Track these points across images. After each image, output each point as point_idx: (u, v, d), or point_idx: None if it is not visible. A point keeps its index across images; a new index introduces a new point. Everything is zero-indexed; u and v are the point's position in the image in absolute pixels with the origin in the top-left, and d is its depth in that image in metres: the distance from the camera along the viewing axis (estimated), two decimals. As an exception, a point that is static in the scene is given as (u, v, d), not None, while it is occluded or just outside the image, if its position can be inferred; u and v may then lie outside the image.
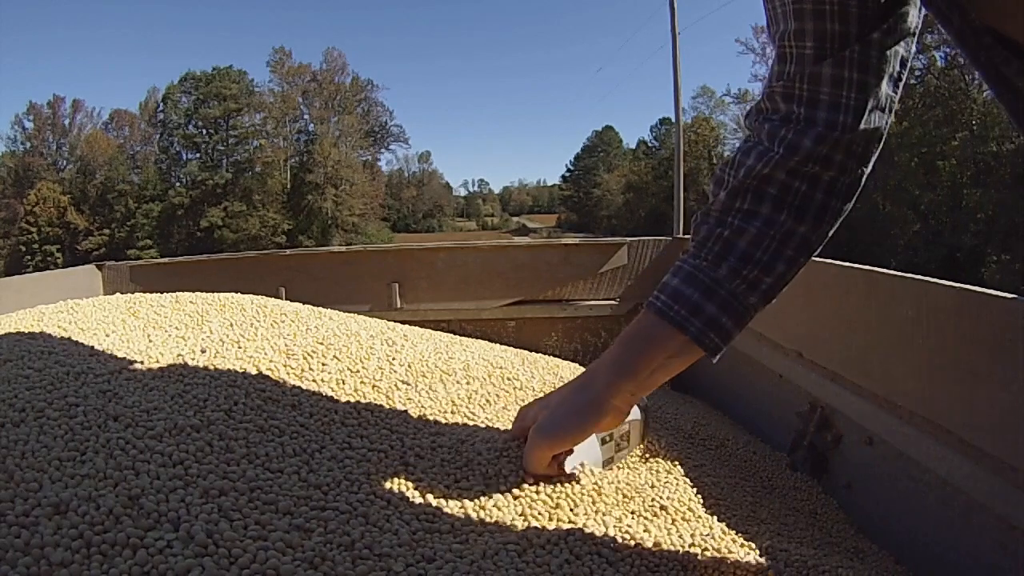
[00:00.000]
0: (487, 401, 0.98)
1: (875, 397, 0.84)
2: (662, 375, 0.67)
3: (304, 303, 1.40)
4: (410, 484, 0.66)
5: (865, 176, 0.65)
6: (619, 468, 0.91)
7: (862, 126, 0.60)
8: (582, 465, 0.73)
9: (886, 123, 0.63)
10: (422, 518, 0.61)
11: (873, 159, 0.64)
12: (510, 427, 0.93)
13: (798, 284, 1.05)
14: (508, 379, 1.07)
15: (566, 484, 0.69)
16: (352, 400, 0.84)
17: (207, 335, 1.03)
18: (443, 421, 0.86)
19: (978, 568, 0.67)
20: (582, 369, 1.34)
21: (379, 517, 0.60)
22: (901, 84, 0.62)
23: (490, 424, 0.92)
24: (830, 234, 0.67)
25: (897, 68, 0.60)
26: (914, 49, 0.62)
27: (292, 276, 1.68)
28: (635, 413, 0.82)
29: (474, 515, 0.62)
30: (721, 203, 0.66)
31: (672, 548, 0.61)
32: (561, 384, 1.12)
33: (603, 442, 0.76)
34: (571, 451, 0.72)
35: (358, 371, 0.95)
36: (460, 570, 0.53)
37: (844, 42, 0.58)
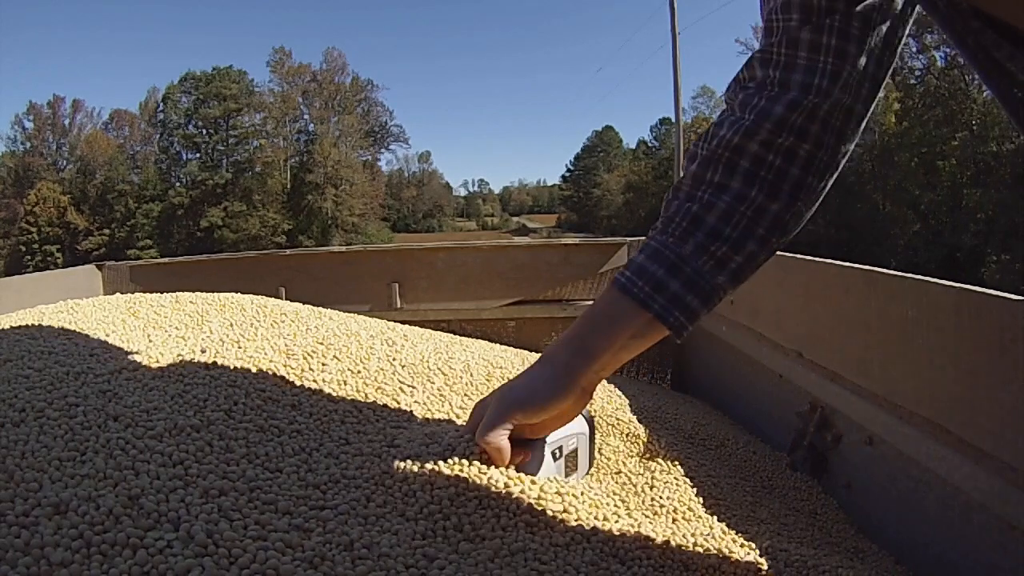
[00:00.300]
0: (487, 401, 0.98)
1: (875, 397, 0.84)
2: (626, 354, 0.64)
3: (304, 303, 1.40)
4: (412, 484, 0.66)
5: (844, 157, 0.63)
6: (619, 469, 0.90)
7: (838, 93, 0.58)
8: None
9: (867, 102, 0.61)
10: (422, 518, 0.61)
11: (853, 139, 0.62)
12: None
13: (798, 284, 1.06)
14: (509, 380, 1.07)
15: (569, 485, 0.69)
16: (352, 400, 0.84)
17: (207, 335, 1.03)
18: (444, 422, 0.85)
19: (978, 568, 0.67)
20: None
21: (379, 516, 0.60)
22: (886, 68, 0.61)
23: (490, 424, 0.92)
24: (806, 216, 0.64)
25: (880, 45, 0.59)
26: (904, 35, 0.61)
27: (292, 276, 1.68)
28: (581, 426, 0.75)
29: (479, 516, 0.62)
30: (691, 175, 0.63)
31: (673, 548, 0.61)
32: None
33: (554, 457, 0.71)
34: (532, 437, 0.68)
35: (358, 371, 0.95)
36: (464, 571, 0.53)
37: (829, 14, 0.57)
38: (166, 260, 1.85)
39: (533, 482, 0.67)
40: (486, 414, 0.66)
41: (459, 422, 0.86)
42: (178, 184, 28.87)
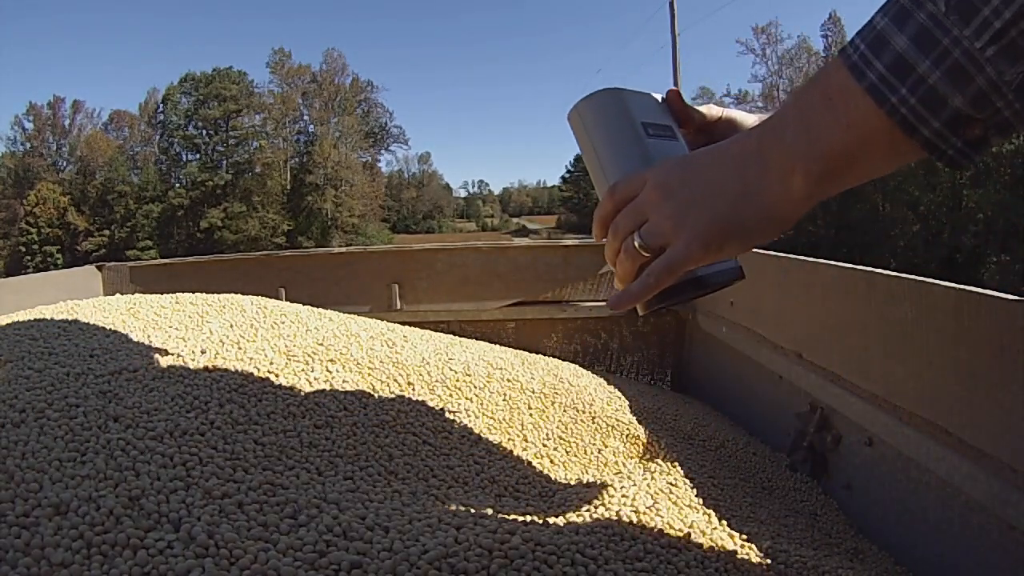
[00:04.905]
0: (488, 402, 0.98)
1: (875, 398, 0.84)
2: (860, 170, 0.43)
3: (304, 304, 1.40)
4: (414, 485, 0.66)
5: None
6: (619, 470, 0.91)
7: None
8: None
9: None
10: (424, 517, 0.61)
11: None
12: (512, 429, 0.93)
13: (798, 285, 1.06)
14: (508, 380, 1.07)
15: (572, 487, 0.69)
16: (353, 401, 0.84)
17: (207, 336, 1.03)
18: (444, 422, 0.86)
19: (978, 568, 0.67)
20: (582, 370, 1.35)
21: (381, 517, 0.60)
22: None
23: (492, 426, 0.92)
24: None
25: None
26: None
27: (292, 277, 1.68)
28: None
29: (480, 515, 0.62)
30: None
31: (672, 549, 0.61)
32: (560, 383, 1.13)
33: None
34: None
35: (359, 372, 0.95)
36: (466, 570, 0.53)
37: None
38: (166, 261, 1.85)
39: (527, 481, 0.66)
40: (669, 254, 0.47)
41: (455, 421, 0.86)
42: (178, 185, 28.86)
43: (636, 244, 0.48)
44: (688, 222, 0.46)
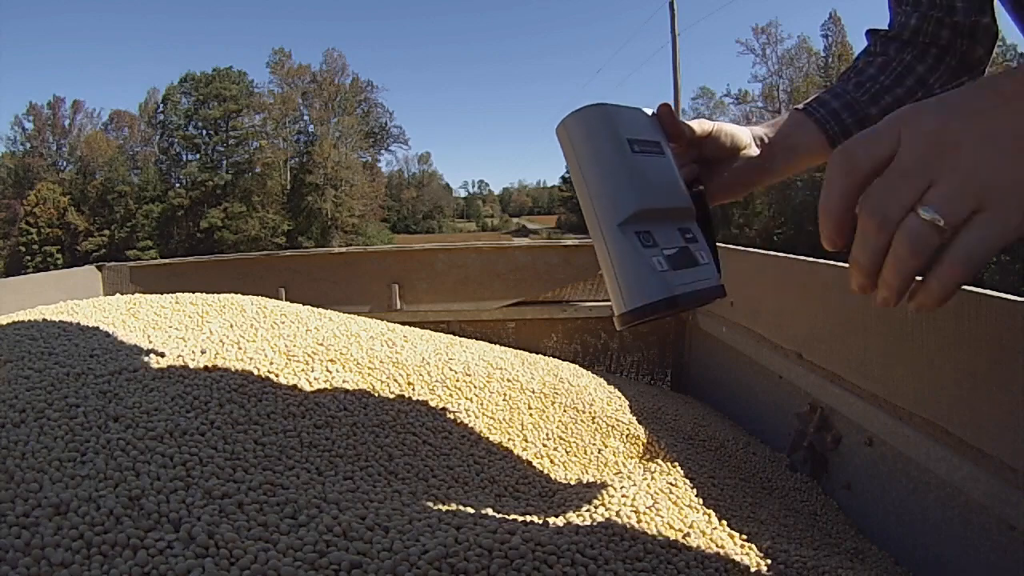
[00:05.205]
0: (488, 402, 0.98)
1: (875, 398, 0.84)
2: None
3: (304, 304, 1.40)
4: (414, 485, 0.66)
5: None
6: (619, 470, 0.91)
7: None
8: None
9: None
10: (424, 517, 0.61)
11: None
12: (512, 429, 0.93)
13: (798, 285, 1.06)
14: (508, 380, 1.07)
15: (572, 487, 0.69)
16: (353, 401, 0.84)
17: (207, 336, 1.03)
18: (444, 422, 0.86)
19: (978, 569, 0.67)
20: (582, 370, 1.35)
21: (381, 517, 0.60)
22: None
23: (492, 426, 0.92)
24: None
25: None
26: None
27: (292, 277, 1.68)
28: None
29: (480, 515, 0.62)
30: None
31: (672, 549, 0.61)
32: (560, 383, 1.13)
33: None
34: None
35: (359, 372, 0.95)
36: (467, 569, 0.53)
37: None
38: (166, 261, 1.85)
39: (526, 482, 0.66)
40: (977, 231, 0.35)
41: (455, 421, 0.86)
42: (178, 185, 28.86)
43: (927, 217, 0.34)
44: (1012, 177, 0.34)
